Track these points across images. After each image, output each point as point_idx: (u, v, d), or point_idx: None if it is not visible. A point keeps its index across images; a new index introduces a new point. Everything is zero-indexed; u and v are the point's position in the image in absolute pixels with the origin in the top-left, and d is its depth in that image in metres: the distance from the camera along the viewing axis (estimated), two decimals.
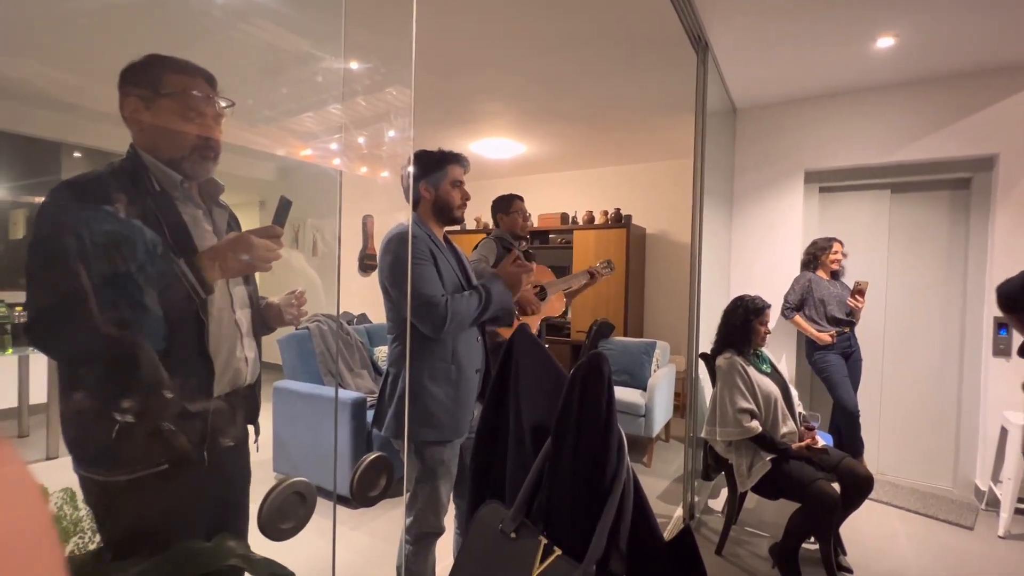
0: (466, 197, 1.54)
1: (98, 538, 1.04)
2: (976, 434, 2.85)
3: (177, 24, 1.53)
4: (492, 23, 2.31)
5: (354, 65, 1.77)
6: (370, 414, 2.62)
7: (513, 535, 0.73)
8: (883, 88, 2.95)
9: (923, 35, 2.36)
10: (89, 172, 0.85)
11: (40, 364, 2.36)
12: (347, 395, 2.62)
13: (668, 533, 2.37)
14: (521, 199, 2.46)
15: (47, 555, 0.24)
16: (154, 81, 0.86)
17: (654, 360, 3.64)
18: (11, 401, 2.42)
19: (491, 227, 5.70)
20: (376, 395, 2.95)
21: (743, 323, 2.21)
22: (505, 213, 2.44)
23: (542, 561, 0.68)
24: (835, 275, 3.08)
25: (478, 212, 5.14)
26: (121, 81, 0.86)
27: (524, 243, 2.47)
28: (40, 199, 0.83)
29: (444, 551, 1.54)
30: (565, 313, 2.46)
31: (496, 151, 4.36)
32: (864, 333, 3.11)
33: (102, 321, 0.77)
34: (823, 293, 2.97)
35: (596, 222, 4.70)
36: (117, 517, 0.88)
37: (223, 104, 0.93)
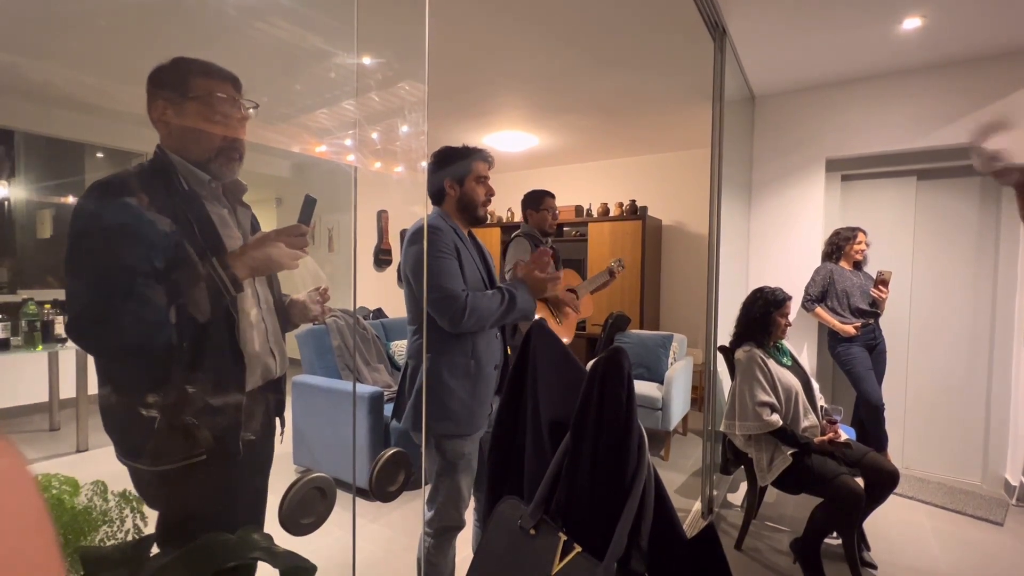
0: (490, 193, 1.53)
1: (126, 527, 1.07)
2: (1007, 427, 2.77)
3: (193, 24, 1.54)
4: (503, 15, 2.28)
5: (367, 60, 1.76)
6: (387, 408, 2.64)
7: (532, 531, 0.73)
8: (909, 71, 2.84)
9: (952, 14, 2.27)
10: (121, 171, 0.86)
11: (69, 360, 2.44)
12: (364, 389, 2.64)
13: (686, 527, 2.36)
14: (552, 196, 2.49)
15: (42, 547, 0.25)
16: (182, 84, 0.87)
17: (671, 353, 3.60)
18: (42, 396, 2.50)
19: (505, 220, 5.66)
20: (392, 389, 2.97)
21: (763, 315, 2.17)
22: (535, 210, 2.46)
23: (562, 558, 0.68)
24: (858, 265, 3.00)
25: (491, 206, 5.13)
26: (149, 83, 0.87)
27: (549, 239, 2.52)
28: (66, 199, 0.85)
29: (463, 543, 1.55)
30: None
31: (509, 144, 4.34)
32: (889, 324, 3.04)
33: (140, 318, 0.80)
34: (846, 284, 2.90)
35: (611, 214, 4.65)
36: (163, 504, 0.92)
37: (248, 107, 0.94)
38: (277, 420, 1.10)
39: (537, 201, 2.47)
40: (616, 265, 2.59)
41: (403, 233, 1.49)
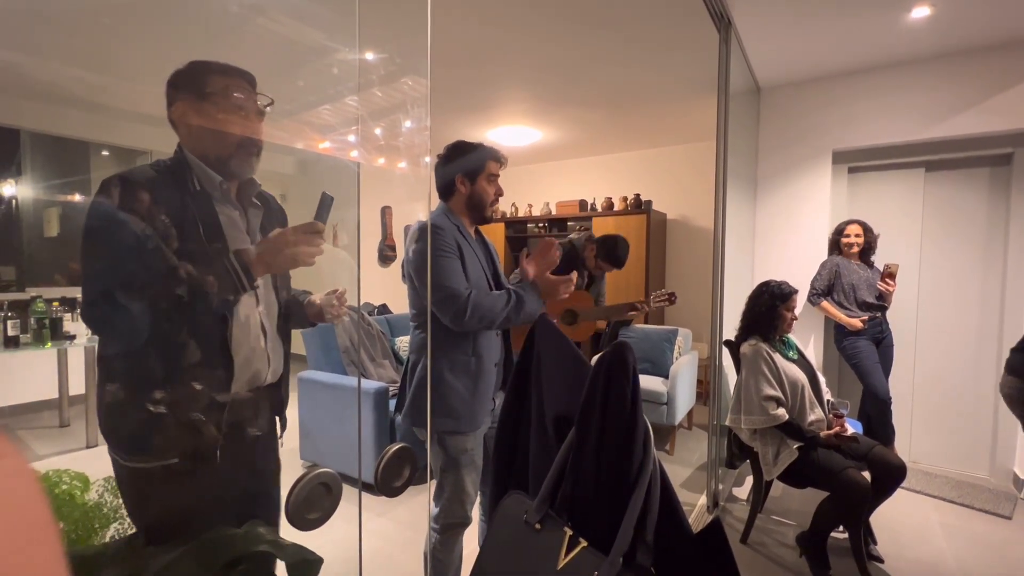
0: (499, 193, 1.51)
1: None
2: (1016, 421, 2.74)
3: (196, 21, 1.54)
4: (506, 8, 2.27)
5: (369, 56, 1.76)
6: (392, 403, 2.65)
7: (538, 526, 0.73)
8: (918, 61, 2.81)
9: (961, 2, 2.23)
10: (137, 168, 0.88)
11: (78, 357, 2.46)
12: (369, 385, 2.66)
13: (692, 521, 2.36)
14: (621, 267, 2.73)
15: (46, 547, 0.25)
16: (199, 84, 0.89)
17: (676, 347, 3.59)
18: (52, 393, 2.52)
19: (509, 215, 5.63)
20: (397, 385, 2.97)
21: (769, 309, 2.16)
22: (600, 259, 2.66)
23: (567, 553, 0.68)
24: (864, 258, 2.98)
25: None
26: (168, 86, 0.89)
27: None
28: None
29: (469, 537, 1.56)
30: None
31: (513, 138, 4.33)
32: (896, 318, 3.01)
33: (141, 309, 0.82)
34: (852, 277, 2.88)
35: (615, 208, 4.63)
36: (142, 503, 0.93)
37: (264, 103, 0.95)
38: (278, 420, 1.09)
39: (610, 259, 2.65)
40: (656, 299, 2.37)
41: (407, 229, 1.49)
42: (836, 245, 3.00)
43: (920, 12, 2.30)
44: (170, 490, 0.90)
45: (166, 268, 0.83)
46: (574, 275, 1.52)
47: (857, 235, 2.91)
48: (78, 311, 2.08)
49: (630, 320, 3.88)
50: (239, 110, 0.91)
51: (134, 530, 1.04)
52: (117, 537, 1.05)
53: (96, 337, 0.90)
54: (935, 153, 2.96)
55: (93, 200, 0.83)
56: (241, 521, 0.89)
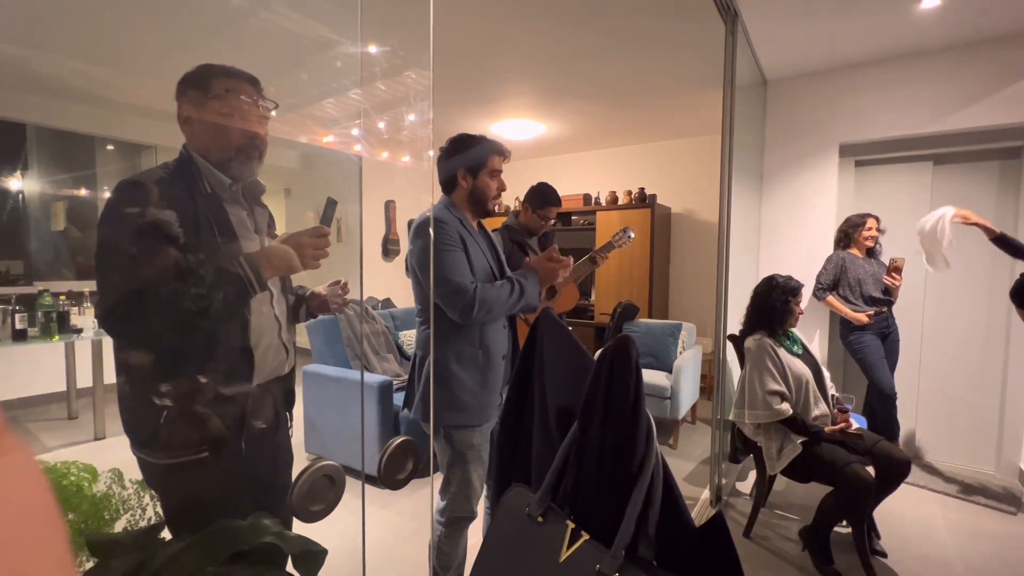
0: (502, 188, 1.52)
1: (147, 515, 1.10)
2: (1022, 416, 2.73)
3: (199, 15, 1.54)
4: (508, 1, 2.25)
5: (372, 49, 1.75)
6: (397, 396, 2.67)
7: (540, 519, 0.74)
8: (927, 53, 2.77)
9: None
10: (147, 171, 0.90)
11: (85, 350, 2.48)
12: (374, 378, 2.67)
13: (694, 515, 2.36)
14: (558, 206, 2.32)
15: (52, 540, 0.25)
16: (203, 86, 0.90)
17: (680, 342, 3.59)
18: (60, 385, 2.55)
19: (513, 209, 5.64)
20: (401, 378, 2.99)
21: (776, 304, 2.14)
22: (534, 210, 2.28)
23: (569, 546, 0.68)
24: (871, 253, 2.95)
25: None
26: (177, 88, 0.91)
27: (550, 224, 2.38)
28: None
29: (473, 530, 1.57)
30: (588, 295, 2.43)
31: (517, 132, 4.31)
32: (902, 312, 2.99)
33: (164, 313, 0.84)
34: (859, 272, 2.86)
35: (620, 202, 4.61)
36: (172, 495, 0.95)
37: (270, 107, 0.96)
38: (288, 414, 1.12)
39: (541, 202, 2.27)
40: (616, 239, 2.28)
41: (411, 223, 1.49)
42: (843, 239, 2.98)
43: (930, 3, 2.27)
44: (200, 482, 0.93)
45: (183, 271, 0.84)
46: (570, 259, 1.53)
47: (878, 230, 2.89)
48: (85, 305, 2.11)
49: (635, 313, 3.87)
50: (241, 113, 0.92)
51: (145, 522, 1.05)
52: (128, 529, 1.06)
53: (102, 330, 0.91)
54: (944, 146, 2.92)
55: (105, 207, 0.84)
56: (268, 509, 0.92)
